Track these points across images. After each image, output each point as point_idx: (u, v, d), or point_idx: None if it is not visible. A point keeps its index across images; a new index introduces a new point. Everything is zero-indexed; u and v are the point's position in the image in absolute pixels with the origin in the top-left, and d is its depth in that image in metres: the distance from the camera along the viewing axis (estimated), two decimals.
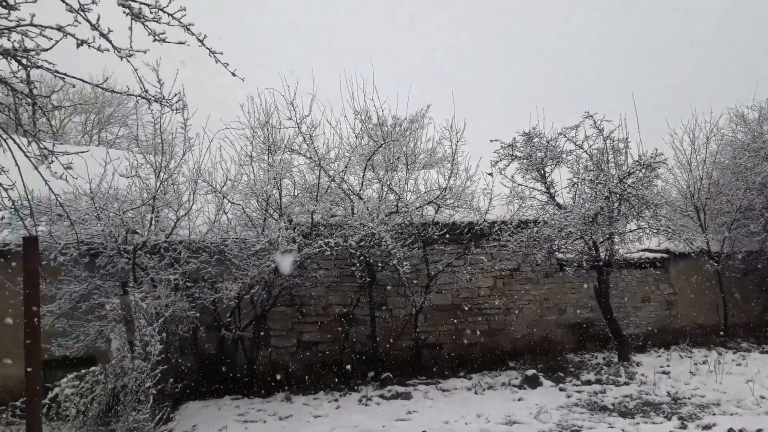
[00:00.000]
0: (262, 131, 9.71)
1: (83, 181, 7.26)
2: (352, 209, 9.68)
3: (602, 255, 10.50)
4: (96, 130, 26.79)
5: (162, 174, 8.30)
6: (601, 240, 10.36)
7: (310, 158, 9.64)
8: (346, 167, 9.81)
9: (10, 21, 4.36)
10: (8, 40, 4.46)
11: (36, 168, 5.12)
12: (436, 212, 10.25)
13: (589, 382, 9.25)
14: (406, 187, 10.15)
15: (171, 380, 7.67)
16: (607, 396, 8.48)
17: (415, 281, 10.46)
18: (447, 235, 10.19)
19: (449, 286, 10.93)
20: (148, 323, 6.31)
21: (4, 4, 4.21)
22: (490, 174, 10.72)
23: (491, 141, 10.76)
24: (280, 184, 9.31)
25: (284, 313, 10.26)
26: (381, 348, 10.30)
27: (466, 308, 11.15)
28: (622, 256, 11.46)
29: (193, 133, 8.37)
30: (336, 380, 9.61)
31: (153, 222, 8.40)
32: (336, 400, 8.72)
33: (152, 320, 6.47)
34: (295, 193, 9.73)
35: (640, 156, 9.92)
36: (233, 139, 9.72)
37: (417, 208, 9.97)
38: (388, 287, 10.67)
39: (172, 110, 4.99)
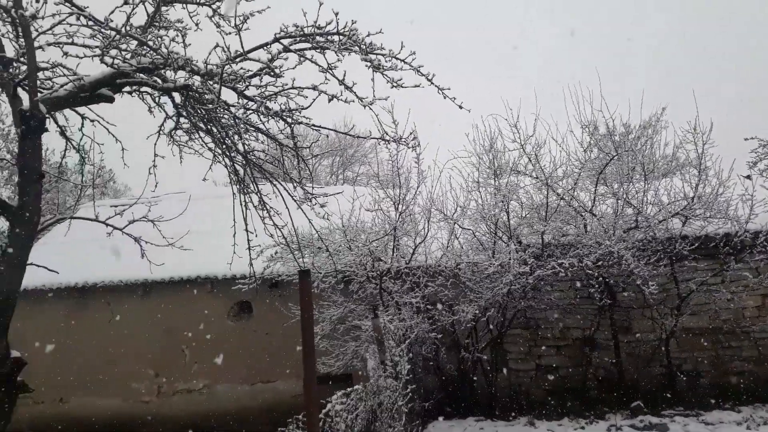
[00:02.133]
0: (487, 156, 9.94)
1: (336, 217, 8.24)
2: (585, 227, 9.30)
3: None
4: (341, 170, 30.02)
5: (400, 206, 9.00)
6: None
7: (537, 178, 9.56)
8: (575, 184, 9.50)
9: (276, 87, 5.24)
10: (275, 103, 5.37)
11: (299, 207, 6.00)
12: (683, 225, 9.29)
13: None
14: (645, 199, 9.42)
15: (418, 399, 8.14)
16: None
17: (662, 302, 9.56)
18: (698, 250, 9.16)
19: (705, 306, 9.74)
20: (397, 344, 6.83)
21: (272, 73, 5.08)
22: (748, 177, 9.40)
23: (746, 139, 9.46)
24: (508, 207, 9.39)
25: (520, 335, 10.20)
26: (627, 374, 9.58)
27: (728, 331, 9.80)
28: None
29: (424, 165, 8.96)
30: (579, 406, 9.19)
31: (394, 250, 9.12)
32: (582, 428, 8.34)
33: (400, 341, 6.99)
34: (523, 215, 9.71)
35: None
36: (460, 167, 10.13)
37: (660, 222, 9.17)
38: (632, 309, 9.92)
39: (408, 148, 5.42)
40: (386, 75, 4.60)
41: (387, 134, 5.49)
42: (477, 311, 8.84)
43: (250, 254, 6.16)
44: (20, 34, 5.37)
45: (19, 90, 5.16)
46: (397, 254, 9.23)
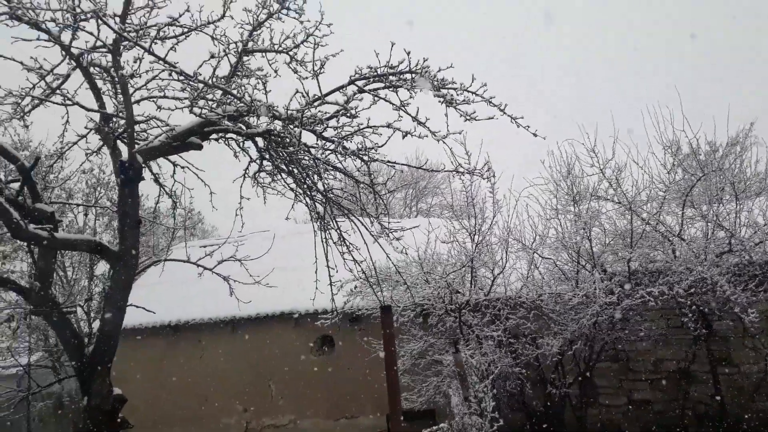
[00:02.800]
0: (564, 182, 9.72)
1: (412, 250, 8.27)
2: (674, 252, 8.85)
3: None
4: (414, 202, 30.20)
5: (476, 237, 8.93)
6: None
7: (619, 203, 9.24)
8: (660, 207, 9.09)
9: (352, 127, 5.42)
10: (351, 142, 5.54)
11: (376, 241, 6.09)
12: None
13: None
14: (737, 220, 8.85)
15: None
16: None
17: (765, 331, 8.86)
18: None
19: None
20: (480, 379, 6.71)
21: (349, 114, 5.26)
22: None
23: None
24: (590, 234, 9.10)
25: (610, 369, 9.73)
26: (729, 410, 8.89)
27: None
28: None
29: (499, 195, 8.88)
30: None
31: (472, 282, 9.02)
32: None
33: (482, 376, 6.85)
34: (607, 242, 9.37)
35: None
36: (537, 195, 9.94)
37: (756, 244, 8.58)
38: (730, 339, 9.26)
39: (483, 179, 5.42)
40: (459, 109, 4.66)
41: (461, 166, 5.52)
42: (562, 344, 8.54)
43: (331, 290, 6.29)
44: (118, 91, 5.87)
45: (118, 142, 5.63)
46: (475, 286, 9.11)
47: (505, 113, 4.81)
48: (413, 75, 4.67)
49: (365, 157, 5.44)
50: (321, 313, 9.79)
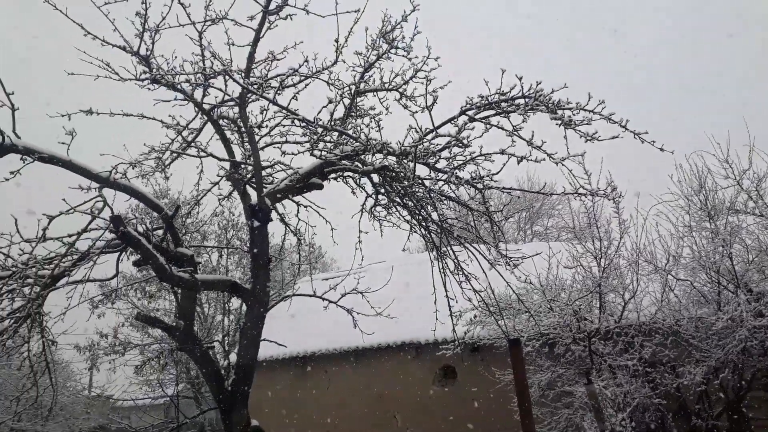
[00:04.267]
0: (697, 197, 9.01)
1: (532, 277, 8.01)
2: None
3: None
4: (527, 226, 29.38)
5: (602, 260, 8.47)
6: None
7: (761, 215, 8.40)
8: None
9: (465, 156, 5.42)
10: (464, 171, 5.53)
11: (493, 267, 5.97)
12: None
13: None
14: None
15: None
16: None
17: None
18: None
19: None
20: (616, 412, 6.29)
21: (461, 144, 5.27)
22: None
23: None
24: (730, 251, 8.31)
25: (763, 398, 8.74)
26: None
27: None
28: None
29: (625, 214, 8.39)
30: None
31: (601, 308, 8.54)
32: None
33: (619, 408, 6.42)
34: (750, 258, 8.52)
35: None
36: (666, 212, 9.28)
37: None
38: None
39: (609, 200, 5.17)
40: (578, 130, 4.51)
41: (582, 187, 5.30)
42: (706, 372, 7.81)
43: (452, 320, 6.24)
44: (245, 140, 6.33)
45: (247, 187, 6.04)
46: (605, 313, 8.61)
47: (627, 129, 4.59)
48: (526, 100, 4.60)
49: (479, 185, 5.41)
50: (441, 342, 9.73)
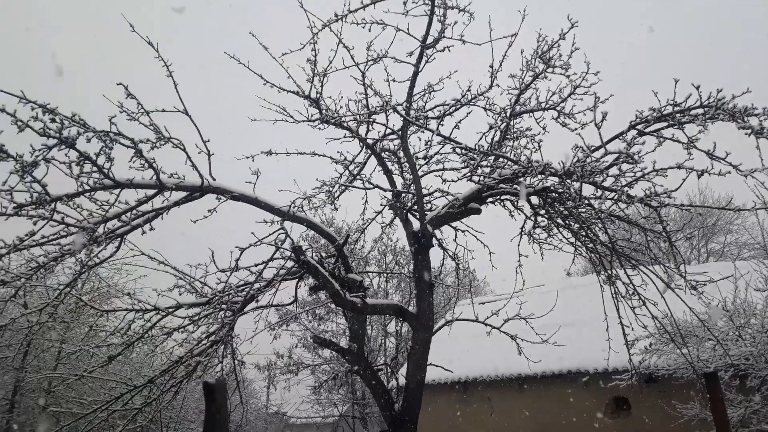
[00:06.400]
0: None
1: (716, 300, 7.27)
2: None
3: None
4: (701, 243, 26.69)
5: None
6: None
7: None
8: None
9: (635, 172, 5.10)
10: (634, 188, 5.20)
11: (672, 290, 5.50)
12: None
13: None
14: None
15: None
16: None
17: None
18: None
19: None
20: None
21: (631, 160, 4.98)
22: None
23: None
24: None
25: None
26: None
27: None
28: None
29: None
30: None
31: None
32: None
33: None
34: None
35: None
36: None
37: None
38: None
39: None
40: None
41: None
42: None
43: (627, 348, 5.87)
44: (404, 169, 6.58)
45: (408, 214, 6.25)
46: None
47: None
48: (705, 109, 4.26)
49: (653, 203, 5.06)
50: (612, 372, 9.12)
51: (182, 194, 4.46)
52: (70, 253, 4.00)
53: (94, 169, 3.69)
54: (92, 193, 3.79)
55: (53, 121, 3.31)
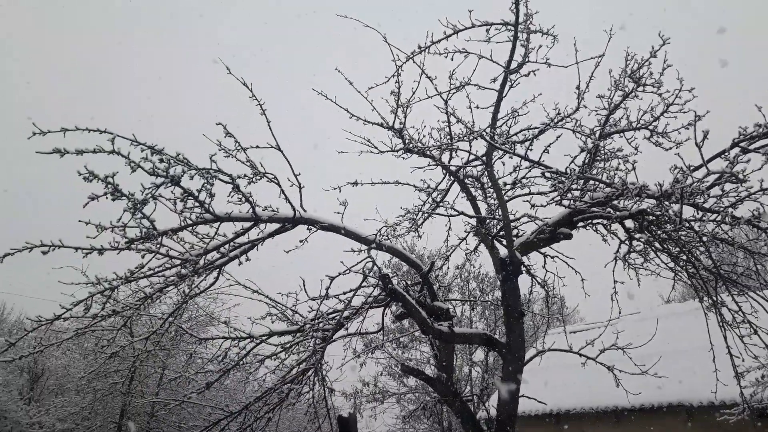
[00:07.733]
0: None
1: None
2: None
3: None
4: None
5: None
6: None
7: None
8: None
9: (739, 192, 4.79)
10: (739, 208, 4.88)
11: None
12: None
13: None
14: None
15: None
16: None
17: None
18: None
19: None
20: None
21: (735, 180, 4.68)
22: None
23: None
24: None
25: None
26: None
27: None
28: None
29: None
30: None
31: None
32: None
33: None
34: None
35: None
36: None
37: None
38: None
39: None
40: None
41: None
42: None
43: (738, 380, 5.44)
44: (488, 195, 6.52)
45: (495, 240, 6.16)
46: None
47: None
48: None
49: (762, 224, 4.72)
50: (720, 405, 8.43)
51: (275, 226, 4.63)
52: (173, 284, 4.25)
53: (196, 204, 3.91)
54: (194, 227, 4.01)
55: (161, 161, 3.55)
